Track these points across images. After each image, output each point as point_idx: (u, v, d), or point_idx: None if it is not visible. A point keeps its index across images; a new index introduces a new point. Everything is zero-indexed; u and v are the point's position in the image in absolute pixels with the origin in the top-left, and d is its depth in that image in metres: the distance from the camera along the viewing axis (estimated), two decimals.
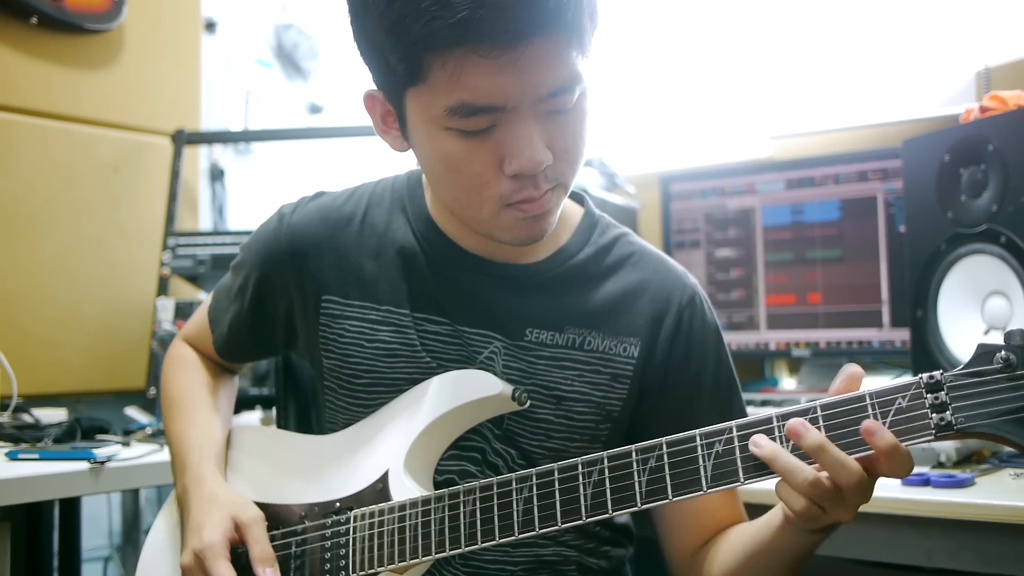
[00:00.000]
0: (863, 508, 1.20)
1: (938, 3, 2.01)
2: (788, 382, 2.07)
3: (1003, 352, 0.74)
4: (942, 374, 0.76)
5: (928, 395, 0.76)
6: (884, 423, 0.77)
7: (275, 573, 0.98)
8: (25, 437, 1.54)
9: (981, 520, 1.13)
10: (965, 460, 1.36)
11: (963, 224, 1.41)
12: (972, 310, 1.41)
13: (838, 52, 2.15)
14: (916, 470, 1.29)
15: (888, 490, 1.22)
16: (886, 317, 1.78)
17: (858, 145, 1.99)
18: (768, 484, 1.28)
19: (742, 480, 0.80)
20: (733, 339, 1.95)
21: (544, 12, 0.82)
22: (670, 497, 0.83)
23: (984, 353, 0.75)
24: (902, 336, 1.75)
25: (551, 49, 0.84)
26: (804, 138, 2.12)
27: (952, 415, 0.75)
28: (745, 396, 1.75)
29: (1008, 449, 1.41)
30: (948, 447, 1.32)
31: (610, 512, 0.85)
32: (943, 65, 1.96)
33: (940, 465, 1.33)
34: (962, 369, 0.76)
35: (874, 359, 1.83)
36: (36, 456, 1.42)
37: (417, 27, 0.82)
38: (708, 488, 0.82)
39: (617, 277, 1.08)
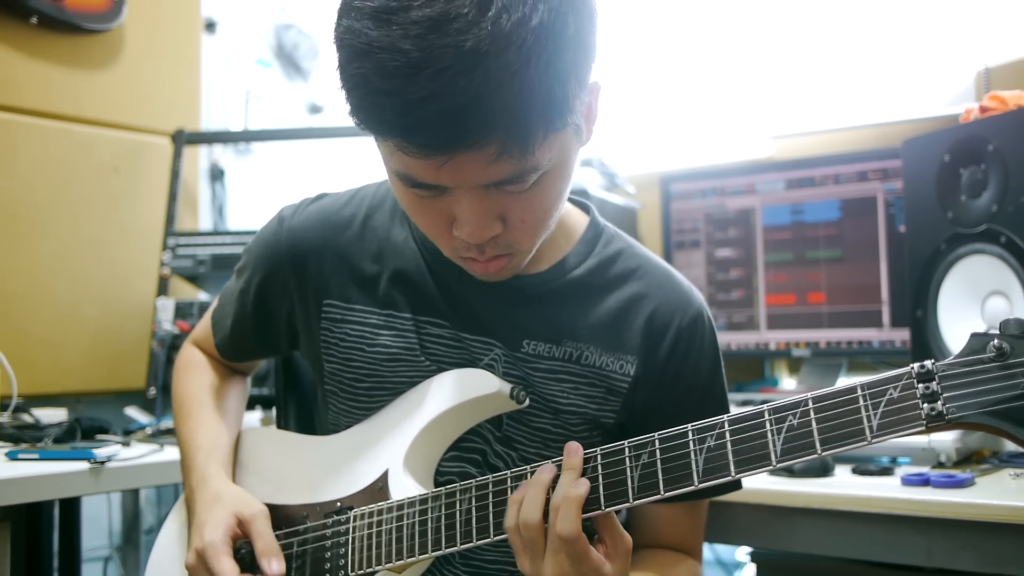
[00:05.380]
0: (863, 508, 1.20)
1: (938, 3, 2.01)
2: (788, 382, 2.07)
3: (996, 340, 0.72)
4: (934, 363, 0.74)
5: (919, 385, 0.74)
6: (875, 414, 0.75)
7: (280, 564, 0.99)
8: (25, 437, 1.54)
9: (981, 520, 1.13)
10: (965, 460, 1.36)
11: (963, 224, 1.41)
12: (972, 310, 1.41)
13: (838, 52, 2.15)
14: (916, 470, 1.29)
15: (888, 490, 1.22)
16: (886, 317, 1.78)
17: (858, 145, 1.99)
18: (772, 485, 1.29)
19: (733, 474, 0.80)
20: (733, 339, 1.95)
21: (466, 132, 0.78)
22: (662, 492, 0.82)
23: (977, 342, 0.73)
24: (902, 336, 1.75)
25: (483, 156, 0.81)
26: (804, 138, 2.12)
27: (943, 405, 0.73)
28: (745, 396, 1.75)
29: (1008, 449, 1.41)
30: (948, 447, 1.32)
31: (603, 508, 0.85)
32: (943, 65, 1.97)
33: (940, 465, 1.33)
34: (955, 358, 0.74)
35: (874, 359, 1.83)
36: (36, 456, 1.42)
37: (356, 111, 0.83)
38: (699, 482, 0.81)
39: (619, 291, 1.06)
